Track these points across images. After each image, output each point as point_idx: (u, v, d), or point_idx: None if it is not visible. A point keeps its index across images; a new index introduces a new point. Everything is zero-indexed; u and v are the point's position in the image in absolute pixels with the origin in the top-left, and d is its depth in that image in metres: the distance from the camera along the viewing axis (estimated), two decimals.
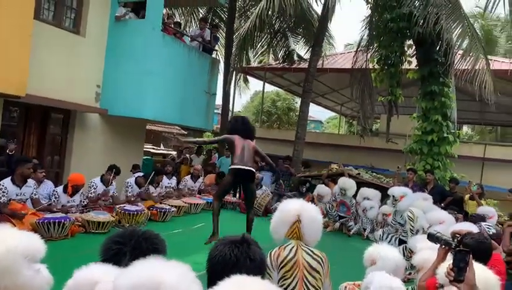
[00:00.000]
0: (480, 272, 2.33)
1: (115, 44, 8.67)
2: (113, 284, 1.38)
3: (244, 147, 5.84)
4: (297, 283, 2.67)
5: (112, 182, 7.21)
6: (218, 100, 13.09)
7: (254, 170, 5.96)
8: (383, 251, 3.22)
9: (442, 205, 7.97)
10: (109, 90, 8.63)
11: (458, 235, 2.90)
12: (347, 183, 8.25)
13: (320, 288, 2.74)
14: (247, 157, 5.82)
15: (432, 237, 2.88)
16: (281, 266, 2.70)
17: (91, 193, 6.93)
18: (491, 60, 11.03)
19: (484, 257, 2.72)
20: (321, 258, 2.79)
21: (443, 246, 2.81)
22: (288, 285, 2.68)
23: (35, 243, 1.77)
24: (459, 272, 1.97)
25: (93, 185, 6.99)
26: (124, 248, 1.78)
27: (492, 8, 9.80)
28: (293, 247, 2.77)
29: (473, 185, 8.63)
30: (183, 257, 5.41)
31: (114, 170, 7.20)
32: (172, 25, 9.82)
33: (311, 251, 2.80)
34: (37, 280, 1.73)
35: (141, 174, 8.20)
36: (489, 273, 2.38)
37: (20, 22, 6.13)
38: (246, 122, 6.22)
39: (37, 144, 7.90)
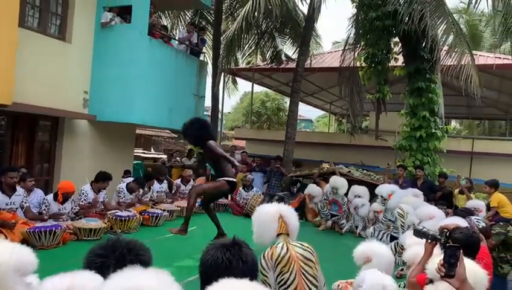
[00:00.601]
0: (469, 266, 2.37)
1: (102, 49, 8.62)
2: None
3: None
4: (296, 275, 2.76)
5: (101, 190, 7.16)
6: (207, 102, 13.10)
7: None
8: (378, 248, 3.26)
9: (431, 199, 8.04)
10: (97, 96, 8.58)
11: (446, 230, 2.94)
12: (338, 182, 8.28)
13: (316, 276, 2.85)
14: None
15: (418, 233, 2.93)
16: (276, 264, 2.79)
17: (81, 201, 6.88)
18: (476, 54, 11.17)
19: (473, 251, 2.77)
20: (310, 249, 2.95)
21: (429, 241, 2.86)
22: (288, 279, 2.76)
23: (26, 257, 1.75)
24: (450, 267, 2.00)
25: (83, 193, 6.93)
26: (107, 261, 1.74)
27: (475, 3, 9.93)
28: (283, 244, 2.88)
29: (462, 179, 8.73)
30: (176, 261, 5.40)
31: (105, 178, 7.10)
32: (159, 29, 9.79)
33: (300, 244, 2.94)
34: None
35: (131, 179, 8.16)
36: (478, 268, 2.42)
37: (4, 30, 6.08)
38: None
39: (25, 152, 7.83)
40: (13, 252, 1.70)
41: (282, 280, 2.77)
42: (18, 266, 1.68)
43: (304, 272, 2.79)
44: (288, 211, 3.09)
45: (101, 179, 7.03)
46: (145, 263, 1.76)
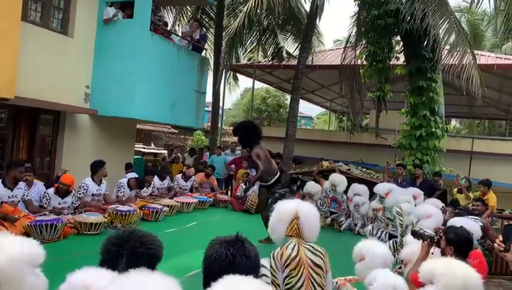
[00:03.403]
0: (462, 269, 2.38)
1: (104, 44, 8.63)
2: None
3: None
4: (304, 282, 2.71)
5: (102, 180, 7.19)
6: (208, 98, 13.11)
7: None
8: (372, 247, 3.30)
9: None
10: (98, 91, 8.61)
11: (441, 231, 3.04)
12: (337, 179, 8.32)
13: (323, 286, 2.79)
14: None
15: (416, 234, 3.06)
16: (285, 265, 2.74)
17: (80, 194, 6.86)
18: (477, 54, 11.18)
19: (466, 250, 2.86)
20: (322, 253, 2.86)
21: (425, 242, 2.97)
22: (295, 284, 2.71)
23: (36, 249, 1.84)
24: (507, 243, 2.25)
25: (83, 186, 6.91)
26: (121, 251, 1.86)
27: (478, 2, 9.94)
28: (294, 245, 2.81)
29: (461, 178, 8.77)
30: (177, 256, 5.42)
31: (99, 165, 7.03)
32: (162, 24, 9.79)
33: (312, 247, 2.86)
34: (39, 284, 1.78)
35: (134, 174, 8.19)
36: (471, 271, 2.42)
37: (7, 24, 6.09)
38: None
39: (27, 146, 7.86)
40: (24, 246, 1.76)
41: (290, 283, 2.72)
42: (29, 258, 1.75)
43: (312, 280, 2.74)
44: (307, 213, 2.91)
45: (97, 168, 7.02)
46: (155, 255, 1.91)
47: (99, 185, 7.07)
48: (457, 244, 2.87)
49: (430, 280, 2.39)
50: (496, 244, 2.22)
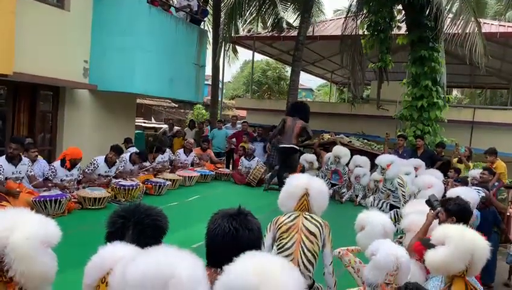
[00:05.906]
0: (471, 235, 2.49)
1: (101, 17, 8.49)
2: (122, 272, 1.41)
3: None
4: (293, 243, 2.87)
5: (115, 163, 7.19)
6: (208, 71, 12.99)
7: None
8: (372, 217, 3.37)
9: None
10: (97, 65, 8.51)
11: (437, 201, 3.17)
12: (342, 150, 8.34)
13: (316, 253, 2.91)
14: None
15: (428, 202, 3.19)
16: (277, 228, 2.94)
17: (89, 170, 6.90)
18: (480, 22, 10.99)
19: (465, 219, 2.94)
20: (320, 224, 2.99)
21: (433, 212, 3.07)
22: (285, 244, 2.88)
23: (52, 229, 1.85)
24: None
25: (94, 163, 6.92)
26: (127, 223, 1.90)
27: None
28: (295, 215, 2.99)
29: (461, 147, 8.76)
30: (180, 229, 5.48)
31: (118, 151, 7.14)
32: None
33: (311, 217, 3.00)
34: (50, 264, 1.79)
35: (134, 148, 8.21)
36: (479, 238, 2.53)
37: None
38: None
39: (27, 122, 7.83)
40: (41, 225, 1.76)
41: (280, 244, 2.90)
42: (44, 238, 1.75)
43: (303, 245, 2.87)
44: (317, 189, 3.07)
45: (113, 150, 7.07)
46: (161, 227, 1.96)
47: (109, 168, 7.08)
48: (459, 214, 2.94)
49: (442, 241, 2.56)
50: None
